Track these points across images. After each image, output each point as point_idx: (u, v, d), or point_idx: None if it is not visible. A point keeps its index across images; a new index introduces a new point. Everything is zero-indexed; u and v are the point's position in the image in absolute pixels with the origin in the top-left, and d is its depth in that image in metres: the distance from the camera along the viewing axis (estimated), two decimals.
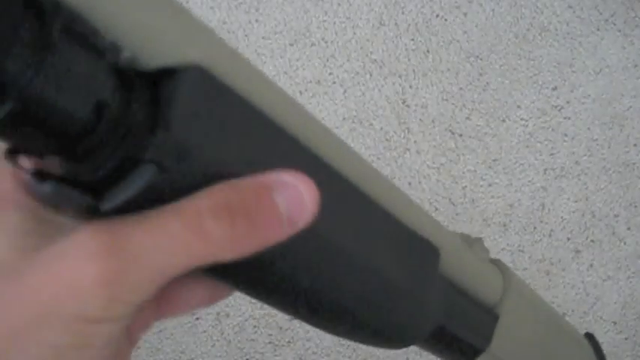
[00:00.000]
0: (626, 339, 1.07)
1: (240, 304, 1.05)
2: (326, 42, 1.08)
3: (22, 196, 0.20)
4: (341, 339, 1.06)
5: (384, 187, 0.26)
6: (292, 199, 0.19)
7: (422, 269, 0.27)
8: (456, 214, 1.06)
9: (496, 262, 0.37)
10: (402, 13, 1.08)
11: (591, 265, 1.08)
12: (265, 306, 1.07)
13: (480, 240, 0.35)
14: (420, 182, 1.06)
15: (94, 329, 0.18)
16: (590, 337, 0.41)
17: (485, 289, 0.34)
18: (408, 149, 1.06)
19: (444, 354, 0.33)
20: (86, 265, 0.17)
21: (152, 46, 0.19)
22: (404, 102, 1.07)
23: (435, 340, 0.31)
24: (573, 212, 1.09)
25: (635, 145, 1.09)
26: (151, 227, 0.18)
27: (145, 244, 0.18)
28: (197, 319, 1.04)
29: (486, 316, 0.34)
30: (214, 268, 0.21)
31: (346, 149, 0.25)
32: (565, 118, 1.09)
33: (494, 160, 1.08)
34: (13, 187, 0.20)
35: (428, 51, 1.08)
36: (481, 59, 1.08)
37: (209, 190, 0.19)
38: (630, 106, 1.09)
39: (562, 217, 1.08)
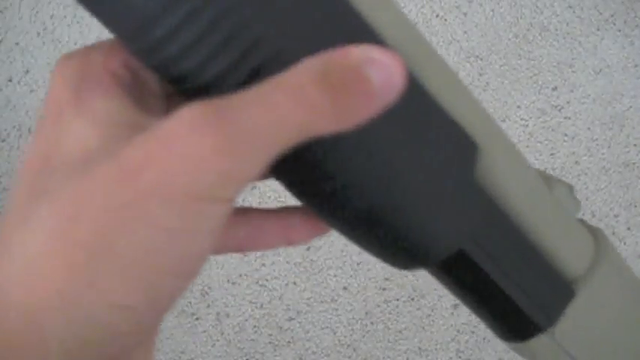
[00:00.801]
0: None
1: (241, 304, 1.04)
2: None
3: (112, 86, 0.20)
4: (340, 339, 1.06)
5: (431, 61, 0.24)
6: (383, 75, 0.20)
7: (448, 159, 0.23)
8: None
9: (589, 227, 0.29)
10: None
11: None
12: (265, 306, 1.07)
13: (568, 186, 0.27)
14: None
15: (204, 208, 0.17)
16: None
17: (562, 250, 0.26)
18: None
19: (486, 313, 0.26)
20: (198, 138, 0.17)
21: None
22: None
23: (460, 274, 0.24)
24: None
25: (635, 145, 1.09)
26: (256, 100, 0.18)
27: (252, 116, 0.17)
28: (197, 319, 1.04)
29: (555, 285, 0.26)
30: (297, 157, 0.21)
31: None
32: (565, 118, 1.09)
33: None
34: (104, 77, 0.20)
35: None
36: (481, 59, 1.08)
37: (305, 64, 0.19)
38: (630, 106, 1.09)
39: None
